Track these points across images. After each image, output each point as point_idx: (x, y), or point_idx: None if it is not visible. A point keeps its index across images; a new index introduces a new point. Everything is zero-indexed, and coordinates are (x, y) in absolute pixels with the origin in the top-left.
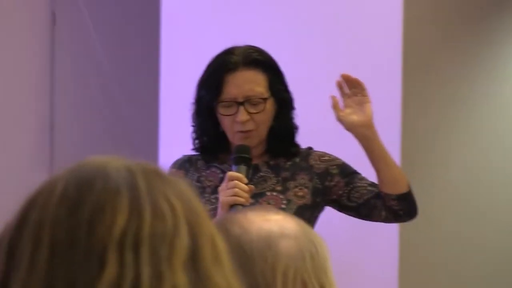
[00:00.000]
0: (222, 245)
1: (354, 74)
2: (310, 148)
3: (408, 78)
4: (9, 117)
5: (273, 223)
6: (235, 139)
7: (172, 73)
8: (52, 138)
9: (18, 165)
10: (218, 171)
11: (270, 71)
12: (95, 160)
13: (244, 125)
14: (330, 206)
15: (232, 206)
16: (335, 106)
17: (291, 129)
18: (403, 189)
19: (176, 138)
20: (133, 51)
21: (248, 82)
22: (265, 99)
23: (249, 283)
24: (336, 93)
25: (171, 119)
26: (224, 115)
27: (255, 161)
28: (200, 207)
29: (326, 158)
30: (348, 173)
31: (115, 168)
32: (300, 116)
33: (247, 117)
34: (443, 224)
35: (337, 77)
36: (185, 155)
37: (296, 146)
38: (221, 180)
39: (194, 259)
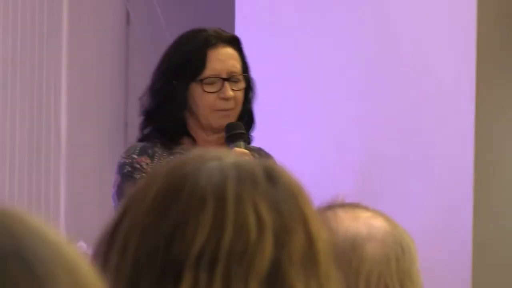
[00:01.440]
0: (322, 245)
1: (426, 75)
2: (260, 149)
3: (482, 78)
4: (86, 116)
5: (362, 222)
6: (213, 118)
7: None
8: (126, 136)
9: (95, 163)
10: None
11: (241, 51)
12: (194, 160)
13: (228, 102)
14: None
15: None
16: None
17: (253, 117)
18: None
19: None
20: None
21: (230, 58)
22: (245, 77)
23: None
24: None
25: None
26: (209, 92)
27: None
28: (300, 209)
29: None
30: None
31: (207, 173)
32: (381, 118)
33: (233, 94)
34: None
35: (410, 77)
36: (137, 143)
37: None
38: None
39: (277, 274)
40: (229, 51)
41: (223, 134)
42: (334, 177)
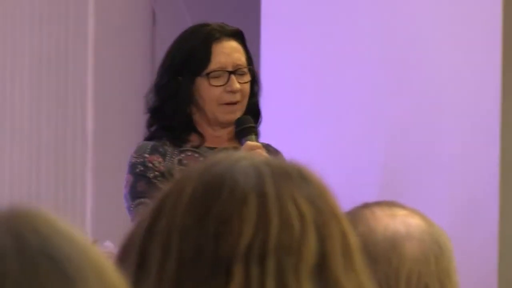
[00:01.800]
0: (355, 244)
1: (450, 72)
2: (268, 145)
3: (507, 73)
4: (112, 115)
5: (399, 220)
6: (219, 113)
7: (272, 71)
8: None
9: (121, 162)
10: (196, 155)
11: (245, 45)
12: (224, 159)
13: (235, 95)
14: None
15: None
16: None
17: (260, 110)
18: None
19: (274, 136)
20: None
21: (235, 51)
22: (250, 70)
23: None
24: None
25: (270, 118)
26: (216, 85)
27: (222, 146)
28: (331, 206)
29: (279, 157)
30: None
31: (243, 171)
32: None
33: (239, 86)
34: None
35: (434, 74)
36: (146, 142)
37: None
38: None
39: (322, 266)
40: (234, 44)
41: (230, 129)
42: (357, 176)
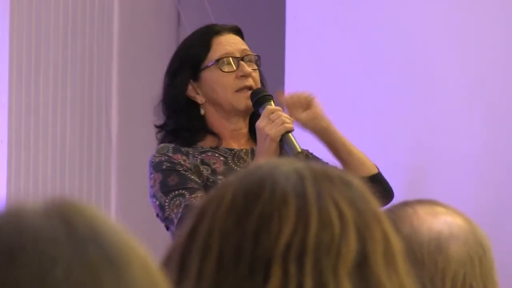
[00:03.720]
0: (397, 246)
1: (478, 73)
2: (308, 152)
3: None
4: (136, 117)
5: (442, 220)
6: (236, 100)
7: (296, 73)
8: None
9: (146, 163)
10: (217, 155)
11: (244, 41)
12: (266, 164)
13: (248, 79)
14: None
15: (283, 135)
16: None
17: None
18: (372, 171)
19: (298, 140)
20: (258, 52)
21: (239, 42)
22: (259, 57)
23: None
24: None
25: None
26: (227, 71)
27: (241, 148)
28: (373, 209)
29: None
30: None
31: (284, 174)
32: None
33: (250, 70)
34: None
35: (462, 76)
36: (165, 144)
37: None
38: (225, 163)
39: (363, 266)
40: (236, 37)
41: (246, 122)
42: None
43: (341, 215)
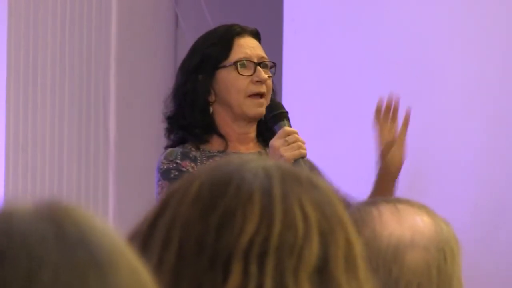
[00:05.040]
0: (359, 252)
1: (477, 75)
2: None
3: None
4: (135, 119)
5: (406, 226)
6: (247, 106)
7: (294, 72)
8: None
9: (144, 165)
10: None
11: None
12: (235, 160)
13: (262, 85)
14: None
15: (296, 160)
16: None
17: None
18: None
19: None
20: None
21: (258, 47)
22: (275, 65)
23: None
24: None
25: (292, 122)
26: (244, 75)
27: (249, 151)
28: (338, 213)
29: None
30: None
31: (252, 171)
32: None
33: (266, 77)
34: None
35: (460, 76)
36: (174, 149)
37: None
38: None
39: (323, 271)
40: (255, 42)
41: (255, 127)
42: None
43: (305, 217)
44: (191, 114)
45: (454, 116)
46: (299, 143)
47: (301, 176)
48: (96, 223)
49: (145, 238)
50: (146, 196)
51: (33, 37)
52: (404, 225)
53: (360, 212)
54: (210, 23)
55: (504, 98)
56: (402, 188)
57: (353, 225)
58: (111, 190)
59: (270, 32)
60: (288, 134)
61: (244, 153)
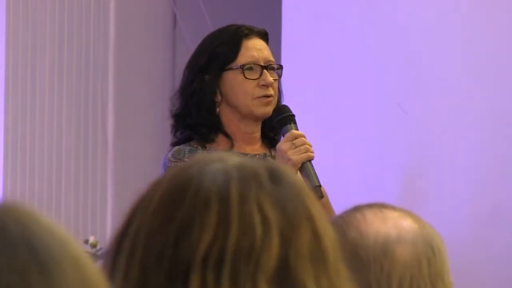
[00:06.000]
0: (331, 247)
1: (475, 75)
2: None
3: None
4: (133, 119)
5: (391, 224)
6: (254, 106)
7: (292, 72)
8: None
9: (143, 166)
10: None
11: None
12: (197, 163)
13: (268, 88)
14: None
15: (304, 163)
16: None
17: None
18: None
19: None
20: None
21: (265, 49)
22: (281, 67)
23: None
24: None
25: None
26: (250, 78)
27: (254, 152)
28: (305, 206)
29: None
30: None
31: (211, 175)
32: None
33: (273, 80)
34: None
35: (460, 77)
36: (182, 146)
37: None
38: None
39: (284, 271)
40: (263, 43)
41: (259, 127)
42: (379, 178)
43: (264, 219)
44: (197, 114)
45: (453, 116)
46: (307, 146)
47: (261, 174)
48: (40, 221)
49: (115, 250)
50: None
51: (32, 37)
52: (388, 223)
53: (343, 217)
54: (209, 23)
55: (504, 98)
56: (401, 188)
57: (324, 218)
58: (109, 189)
59: (268, 31)
60: (296, 137)
61: (249, 154)
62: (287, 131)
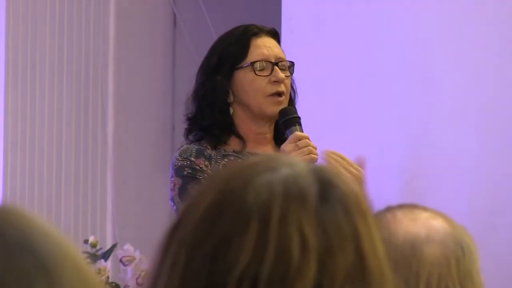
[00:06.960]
0: (375, 266)
1: (473, 75)
2: None
3: None
4: (133, 119)
5: (421, 224)
6: (266, 105)
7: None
8: (173, 139)
9: (142, 166)
10: (239, 160)
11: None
12: (244, 173)
13: (280, 85)
14: None
15: None
16: None
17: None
18: None
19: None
20: None
21: (276, 47)
22: (293, 64)
23: None
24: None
25: None
26: (261, 75)
27: (265, 150)
28: (353, 227)
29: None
30: None
31: (255, 190)
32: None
33: (284, 76)
34: None
35: (456, 76)
36: (189, 145)
37: None
38: None
39: None
40: (273, 42)
41: (271, 128)
42: (379, 178)
43: (303, 242)
44: (210, 115)
45: (449, 117)
46: (310, 147)
47: (310, 190)
48: (36, 224)
49: (163, 251)
50: (144, 195)
51: (31, 36)
52: (418, 223)
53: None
54: (208, 23)
55: (504, 98)
56: (401, 188)
57: (372, 233)
58: (109, 190)
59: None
60: (299, 139)
61: (260, 154)
62: (291, 133)
